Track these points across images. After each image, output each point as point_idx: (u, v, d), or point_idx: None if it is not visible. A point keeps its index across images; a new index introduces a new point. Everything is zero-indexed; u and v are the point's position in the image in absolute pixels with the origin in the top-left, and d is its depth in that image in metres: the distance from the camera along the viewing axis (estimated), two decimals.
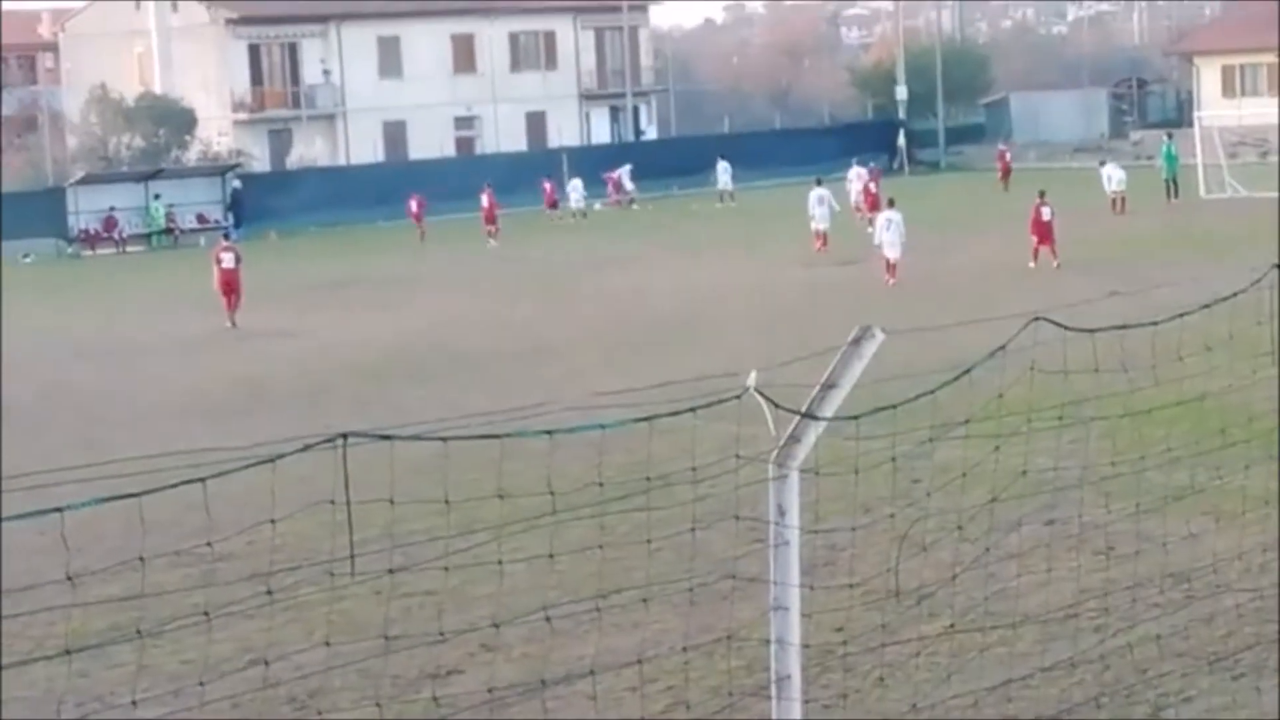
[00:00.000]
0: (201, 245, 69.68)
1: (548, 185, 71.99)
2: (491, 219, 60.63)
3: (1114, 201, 55.34)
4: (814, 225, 49.35)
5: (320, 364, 32.38)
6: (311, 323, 39.47)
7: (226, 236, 44.13)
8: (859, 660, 12.25)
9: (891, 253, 40.66)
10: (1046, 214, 42.25)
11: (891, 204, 43.67)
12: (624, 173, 77.56)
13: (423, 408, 24.62)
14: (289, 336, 37.06)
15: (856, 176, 62.11)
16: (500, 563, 10.09)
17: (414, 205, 65.85)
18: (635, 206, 74.65)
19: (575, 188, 72.30)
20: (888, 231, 41.11)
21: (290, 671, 12.49)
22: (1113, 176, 56.24)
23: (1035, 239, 41.92)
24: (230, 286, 40.60)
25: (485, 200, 61.19)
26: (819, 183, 50.80)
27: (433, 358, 32.30)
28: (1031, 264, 41.23)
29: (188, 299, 45.80)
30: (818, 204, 49.45)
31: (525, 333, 35.16)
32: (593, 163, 79.59)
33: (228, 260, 41.00)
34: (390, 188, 73.91)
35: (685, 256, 50.30)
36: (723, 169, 75.22)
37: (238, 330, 38.86)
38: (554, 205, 71.32)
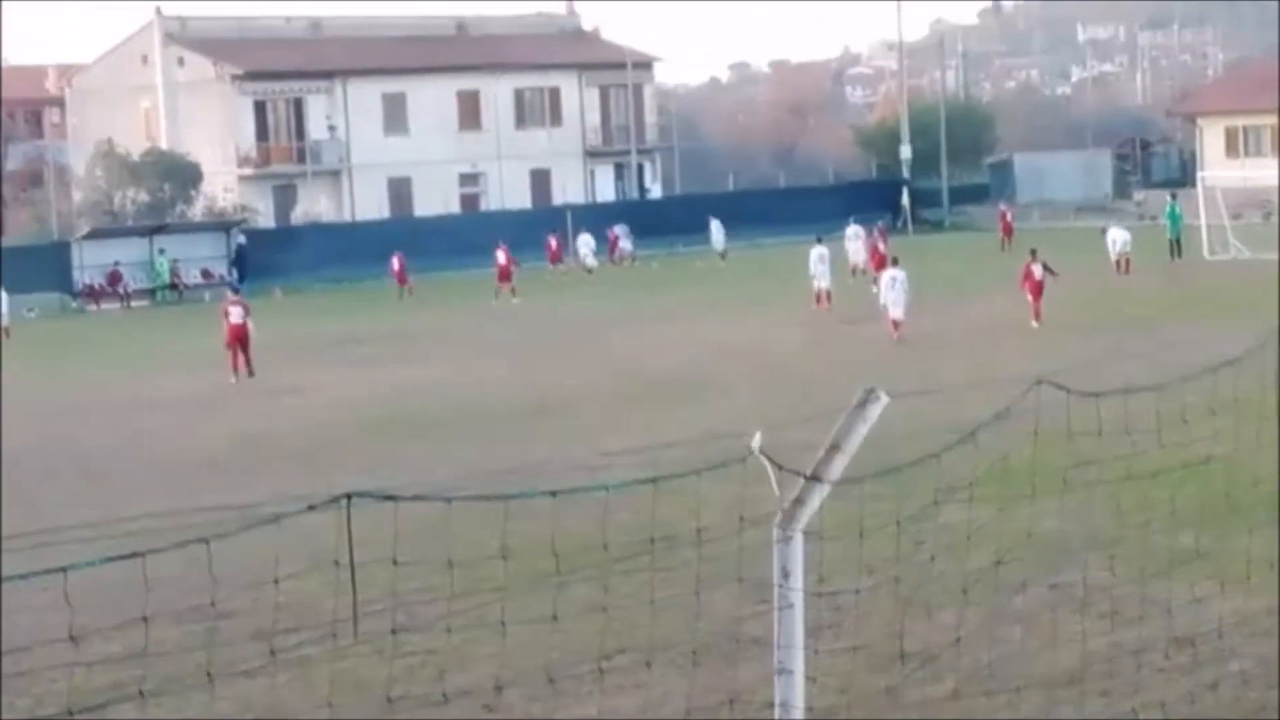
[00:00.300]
0: (206, 300, 69.85)
1: (553, 241, 72.13)
2: (507, 276, 60.32)
3: (1118, 262, 55.47)
4: (815, 284, 49.64)
5: (325, 420, 32.34)
6: (316, 379, 39.44)
7: (235, 290, 43.85)
8: None
9: (895, 311, 40.86)
10: (1038, 272, 42.55)
11: (895, 262, 43.77)
12: (621, 231, 77.69)
13: (428, 465, 24.59)
14: (293, 393, 37.03)
15: (855, 235, 62.30)
16: (504, 624, 10.05)
17: (395, 263, 65.59)
18: (635, 263, 74.74)
19: (585, 243, 72.45)
20: (892, 290, 41.37)
21: None
22: (1117, 239, 56.40)
23: (1030, 297, 42.10)
24: (239, 340, 40.46)
25: (502, 257, 60.99)
26: (819, 241, 51.17)
27: (438, 414, 32.27)
28: (1034, 323, 41.27)
29: (192, 354, 45.80)
30: (819, 262, 49.85)
31: (531, 389, 35.14)
32: (597, 220, 79.73)
33: (235, 315, 40.84)
34: (395, 244, 73.98)
35: (689, 314, 50.34)
36: (715, 227, 75.42)
37: (242, 386, 38.84)
38: (558, 260, 71.46)
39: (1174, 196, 64.42)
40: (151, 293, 71.78)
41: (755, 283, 59.77)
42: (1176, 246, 60.07)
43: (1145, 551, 13.98)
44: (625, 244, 77.06)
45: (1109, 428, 11.58)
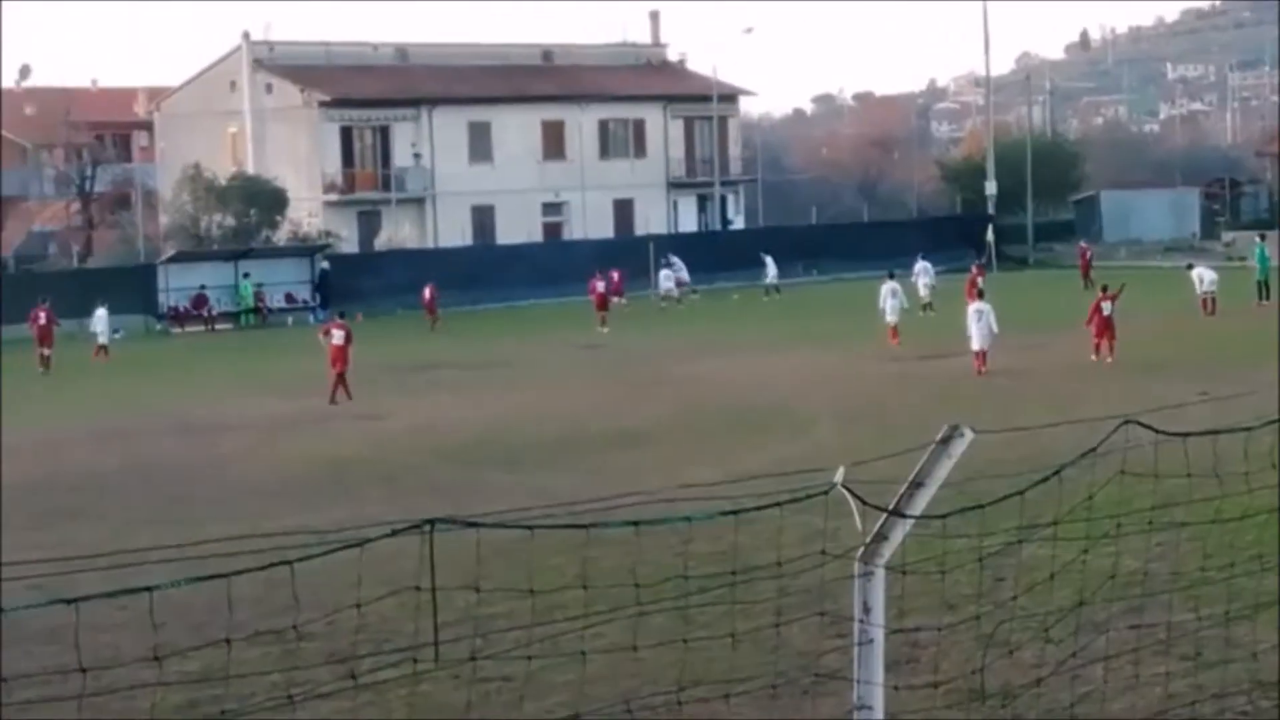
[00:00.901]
0: (289, 325, 70.34)
1: (615, 275, 70.75)
2: (604, 304, 60.61)
3: (1204, 302, 55.12)
4: (886, 319, 49.95)
5: (406, 447, 32.45)
6: (398, 406, 39.60)
7: (342, 315, 44.47)
8: None
9: (979, 344, 41.28)
10: (1107, 309, 42.72)
11: (981, 295, 44.33)
12: (677, 263, 76.82)
13: (507, 493, 24.63)
14: (375, 419, 37.19)
15: (923, 271, 62.77)
16: (583, 653, 10.02)
17: (427, 293, 65.41)
18: (695, 296, 74.50)
19: (666, 276, 72.35)
20: (978, 323, 41.75)
21: None
22: (1204, 277, 56.05)
23: (1094, 334, 42.66)
24: (340, 361, 40.96)
25: (601, 286, 61.29)
26: (891, 276, 51.73)
27: (519, 443, 32.32)
28: (1093, 357, 41.97)
29: (275, 378, 46.09)
30: (890, 296, 50.32)
31: (610, 420, 35.14)
32: (679, 251, 79.76)
33: (338, 337, 41.46)
34: (478, 271, 74.34)
35: (770, 347, 50.25)
36: (769, 262, 75.27)
37: (324, 411, 39.00)
38: (619, 294, 70.32)
39: (1263, 238, 63.90)
40: (235, 316, 72.30)
41: (836, 316, 59.59)
42: (1264, 288, 59.57)
43: (1230, 593, 13.81)
44: (683, 274, 76.23)
45: (1196, 469, 11.44)
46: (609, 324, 59.11)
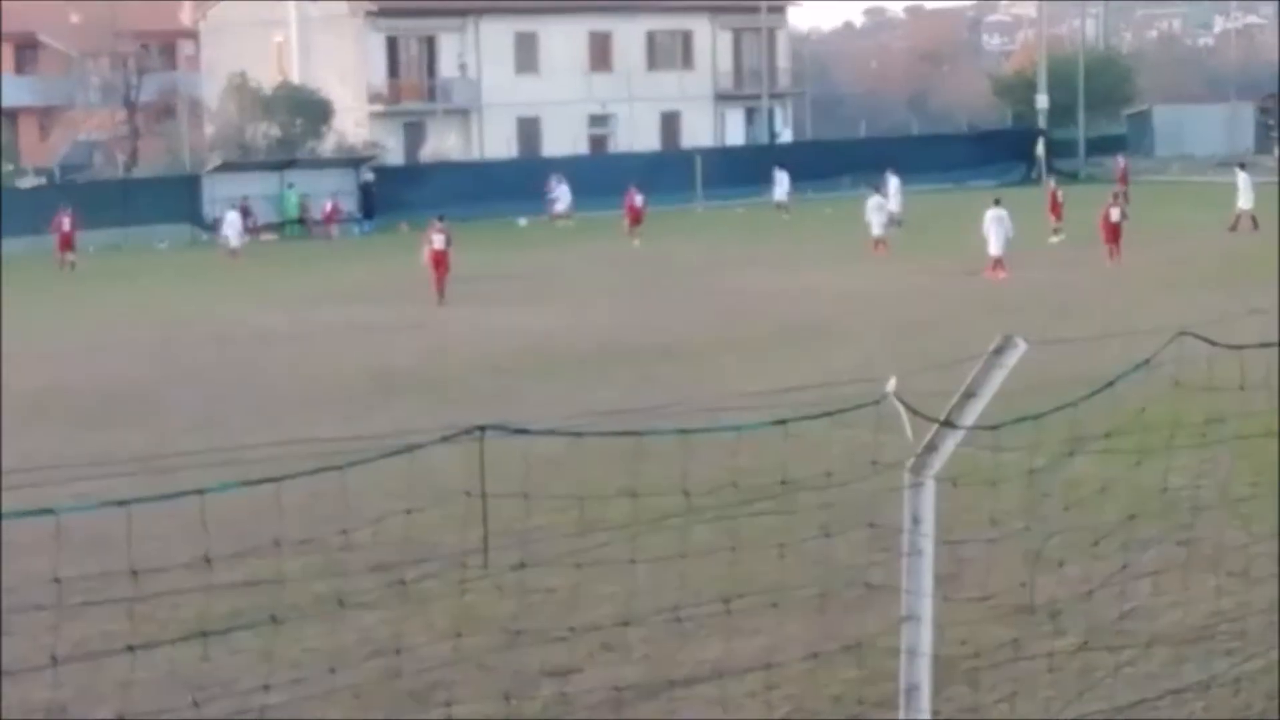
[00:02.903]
0: (334, 235, 70.31)
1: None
2: (638, 219, 60.41)
3: (1237, 219, 54.50)
4: (872, 232, 51.17)
5: (450, 357, 32.45)
6: (442, 316, 39.60)
7: (440, 219, 45.24)
8: (987, 675, 12.04)
9: (998, 249, 43.18)
10: (1115, 215, 45.71)
11: (997, 203, 45.23)
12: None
13: (553, 404, 24.59)
14: (420, 328, 37.20)
15: (895, 189, 62.22)
16: (633, 561, 9.97)
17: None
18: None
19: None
20: (998, 228, 43.48)
21: (412, 664, 12.45)
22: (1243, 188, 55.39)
23: (1104, 237, 45.53)
24: (440, 265, 42.77)
25: (638, 200, 60.97)
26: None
27: (564, 354, 32.28)
28: (1107, 262, 44.44)
29: (318, 289, 46.08)
30: (875, 211, 51.48)
31: (657, 331, 35.06)
32: (727, 164, 79.40)
33: (439, 241, 43.20)
34: (523, 183, 74.08)
35: (813, 260, 50.05)
36: (779, 179, 73.70)
37: (369, 320, 39.02)
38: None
39: None
40: (280, 227, 72.29)
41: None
42: None
43: None
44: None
45: (1250, 382, 11.32)
46: (639, 237, 58.92)
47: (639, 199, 61.27)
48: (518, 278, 48.56)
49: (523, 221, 71.07)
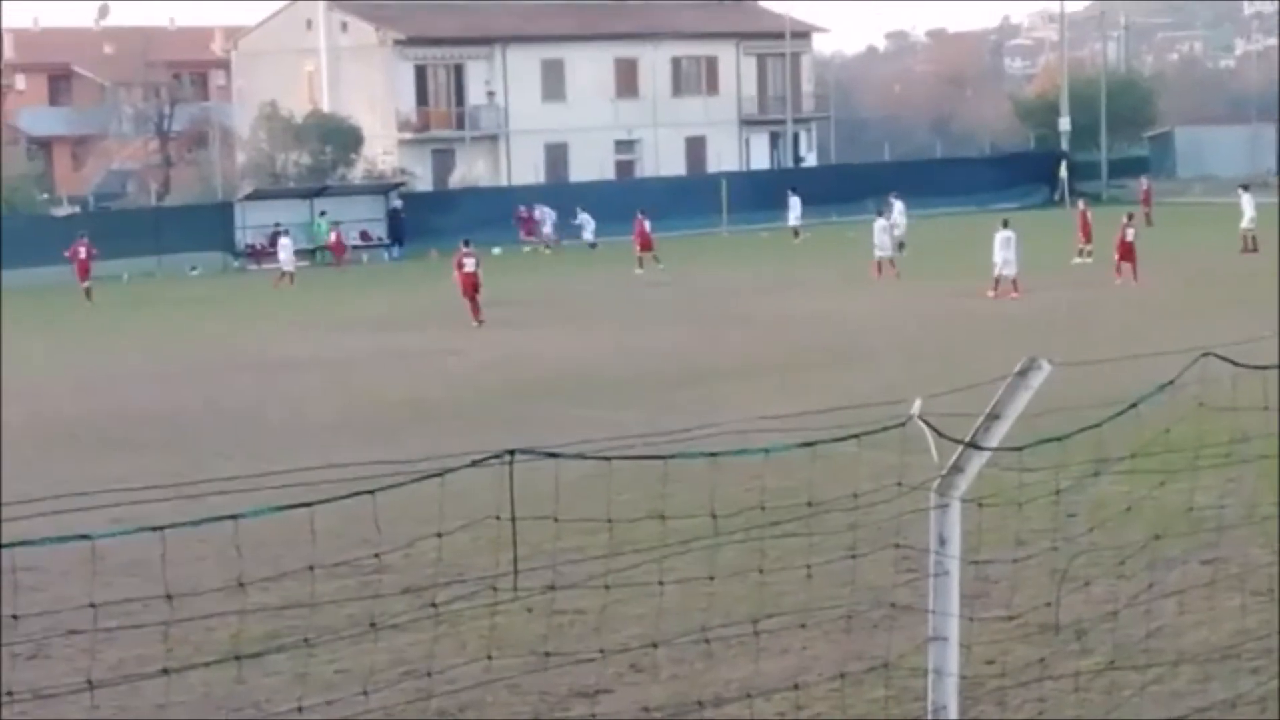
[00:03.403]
0: (364, 262, 70.58)
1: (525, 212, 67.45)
2: (647, 245, 60.29)
3: (1245, 239, 54.66)
4: (876, 254, 51.24)
5: (480, 382, 32.60)
6: (471, 341, 39.77)
7: (466, 244, 45.71)
8: (1014, 694, 12.12)
9: (1009, 270, 43.96)
10: (1130, 235, 46.76)
11: (1006, 224, 45.70)
12: (544, 213, 74.09)
13: (582, 428, 24.67)
14: (450, 354, 37.36)
15: (899, 211, 62.72)
16: (661, 584, 10.09)
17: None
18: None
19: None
20: (1006, 250, 44.13)
21: (443, 685, 12.58)
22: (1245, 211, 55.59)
23: (1118, 257, 46.56)
24: (472, 289, 43.56)
25: (645, 226, 60.96)
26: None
27: (592, 379, 32.41)
28: (1117, 280, 45.63)
29: (350, 315, 46.31)
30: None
31: (685, 356, 35.18)
32: (752, 188, 79.52)
33: (469, 264, 44.02)
34: (551, 209, 74.30)
35: (834, 284, 50.16)
36: (794, 203, 72.97)
37: (401, 346, 39.19)
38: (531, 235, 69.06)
39: None
40: (311, 253, 72.62)
41: (910, 253, 59.27)
42: None
43: None
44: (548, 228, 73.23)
45: (1274, 402, 11.41)
46: (645, 266, 58.64)
47: (647, 225, 61.03)
48: (545, 303, 48.74)
49: (496, 250, 70.92)
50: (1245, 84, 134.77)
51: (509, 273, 59.94)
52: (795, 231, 71.46)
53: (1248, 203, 55.87)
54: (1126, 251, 46.62)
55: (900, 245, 57.72)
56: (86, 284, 56.78)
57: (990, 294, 44.16)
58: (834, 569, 12.23)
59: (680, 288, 51.76)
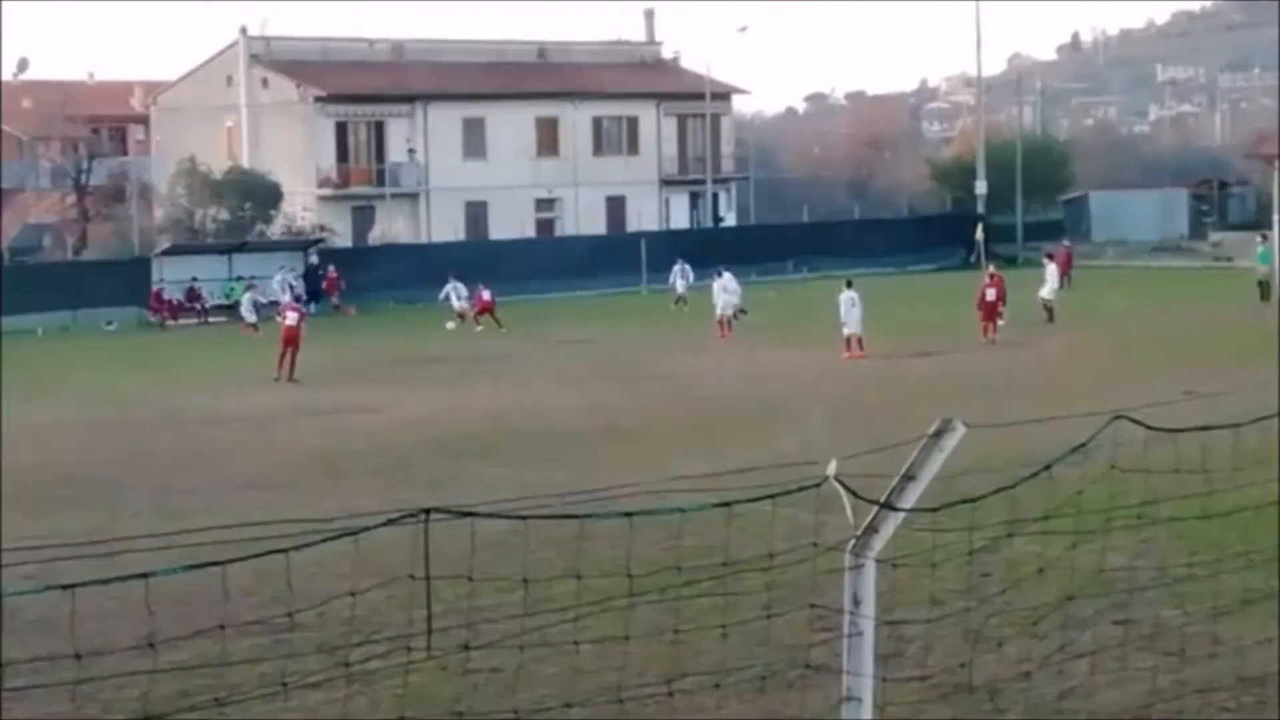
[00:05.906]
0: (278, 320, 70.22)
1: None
2: (485, 309, 59.80)
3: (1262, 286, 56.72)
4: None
5: (397, 439, 32.49)
6: (389, 398, 39.64)
7: (298, 299, 45.94)
8: None
9: (852, 329, 45.14)
10: (990, 295, 47.82)
11: (850, 285, 47.04)
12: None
13: (499, 486, 24.67)
14: (367, 411, 37.23)
15: (681, 273, 65.58)
16: (576, 643, 10.08)
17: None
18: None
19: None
20: (851, 310, 45.31)
21: None
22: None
23: (981, 315, 47.66)
24: (290, 343, 44.02)
25: (486, 295, 60.40)
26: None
27: (509, 436, 32.36)
28: (983, 339, 46.87)
29: (267, 371, 46.05)
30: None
31: (601, 414, 35.19)
32: (672, 248, 79.67)
33: (291, 318, 44.90)
34: (471, 267, 74.18)
35: (757, 344, 50.29)
36: (677, 270, 69.15)
37: (315, 403, 39.01)
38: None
39: (1264, 238, 62.70)
40: (229, 309, 72.15)
41: (822, 314, 59.43)
42: (1266, 288, 59.09)
43: (1216, 590, 13.89)
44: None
45: (1185, 465, 11.53)
46: (481, 324, 59.04)
47: (487, 294, 60.48)
48: (461, 360, 48.63)
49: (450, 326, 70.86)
50: (1159, 149, 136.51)
51: (428, 331, 59.81)
52: (680, 299, 66.82)
53: (1050, 273, 55.97)
54: (989, 311, 47.55)
55: (743, 310, 56.99)
56: None
57: (845, 355, 44.97)
58: (749, 629, 12.25)
59: (600, 346, 51.78)
